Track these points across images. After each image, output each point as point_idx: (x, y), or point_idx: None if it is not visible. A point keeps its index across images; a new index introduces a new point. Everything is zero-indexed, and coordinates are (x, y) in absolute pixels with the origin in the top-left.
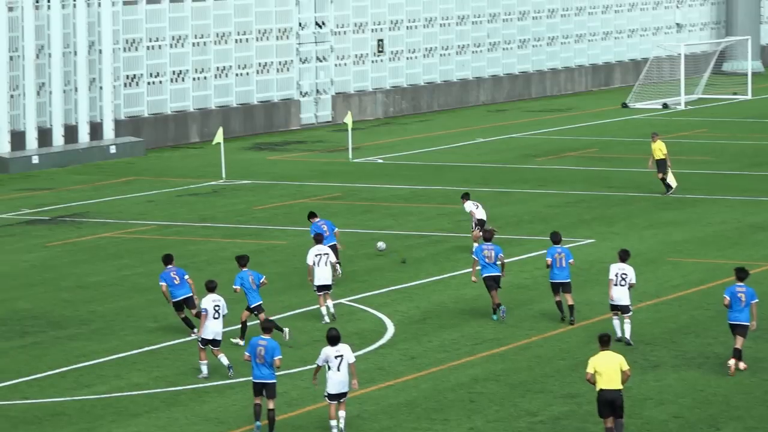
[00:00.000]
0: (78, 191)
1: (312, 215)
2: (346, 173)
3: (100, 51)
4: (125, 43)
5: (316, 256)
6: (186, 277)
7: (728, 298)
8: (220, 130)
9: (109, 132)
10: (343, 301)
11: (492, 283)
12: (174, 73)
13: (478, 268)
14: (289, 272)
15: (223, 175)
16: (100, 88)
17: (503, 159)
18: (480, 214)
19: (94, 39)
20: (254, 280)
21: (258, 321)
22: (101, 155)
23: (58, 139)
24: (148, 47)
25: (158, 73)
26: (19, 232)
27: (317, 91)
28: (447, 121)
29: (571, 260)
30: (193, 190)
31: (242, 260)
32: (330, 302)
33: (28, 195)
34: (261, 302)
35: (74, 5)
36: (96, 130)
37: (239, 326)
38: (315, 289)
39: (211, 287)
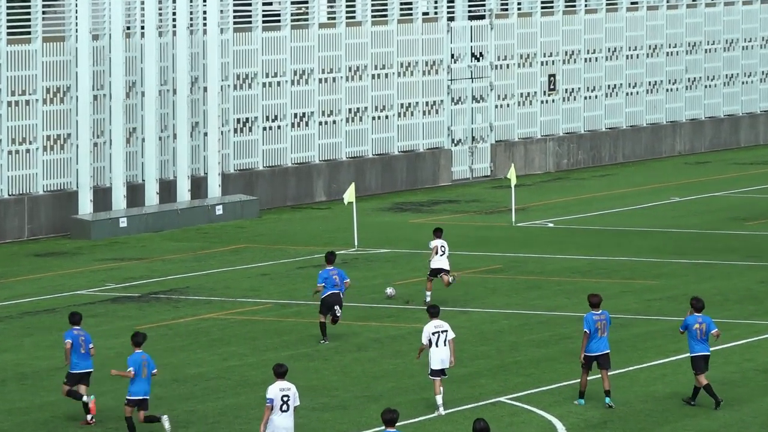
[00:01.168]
0: (175, 262)
1: (330, 258)
2: (509, 240)
3: (205, 89)
4: (236, 79)
5: (433, 334)
6: (90, 346)
7: None
8: (352, 187)
9: (214, 189)
10: (503, 399)
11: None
12: (296, 116)
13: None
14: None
15: (356, 243)
16: (205, 134)
17: (704, 223)
18: (439, 261)
19: (198, 74)
20: None
21: None
22: (205, 217)
23: (151, 197)
24: (264, 84)
25: (276, 116)
26: (103, 312)
27: (473, 139)
28: (634, 175)
29: (714, 330)
30: (318, 260)
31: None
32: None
33: (114, 266)
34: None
35: (173, 32)
36: (199, 186)
37: None
38: (429, 373)
39: (280, 372)
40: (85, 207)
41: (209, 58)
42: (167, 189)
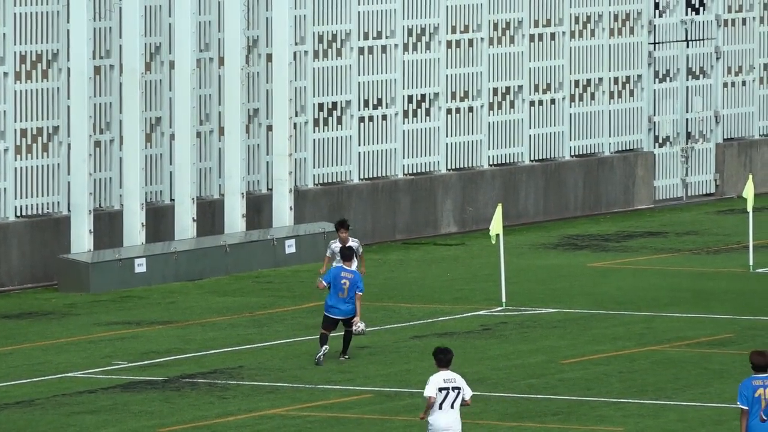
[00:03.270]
0: (222, 327)
1: (345, 254)
2: (744, 295)
3: (269, 57)
4: (317, 41)
5: (441, 390)
6: None
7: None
8: (499, 212)
9: (283, 213)
10: None
11: None
12: (410, 100)
13: None
14: None
15: (503, 298)
16: (268, 128)
17: None
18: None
19: (258, 34)
20: None
21: None
22: (268, 258)
23: (184, 226)
24: (361, 49)
25: (380, 101)
26: (109, 406)
27: (688, 137)
28: None
29: None
30: (444, 326)
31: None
32: None
33: (127, 334)
34: None
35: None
36: (259, 209)
37: None
38: None
39: (444, 360)
40: (81, 241)
41: (275, 11)
42: (209, 214)
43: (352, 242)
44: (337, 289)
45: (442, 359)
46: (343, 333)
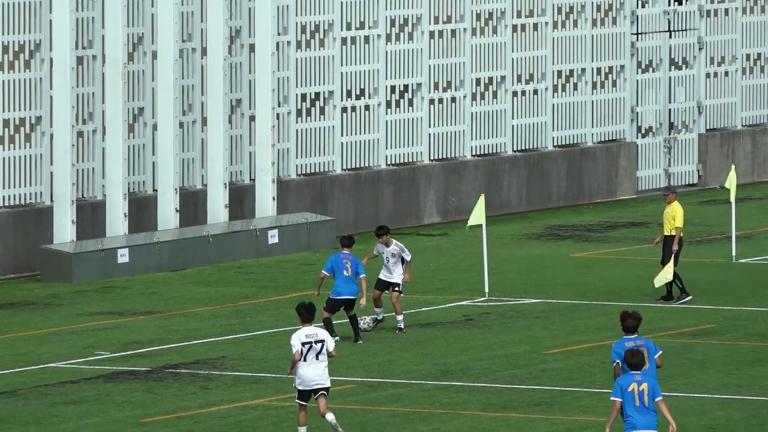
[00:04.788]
0: (205, 317)
1: (346, 237)
2: (726, 285)
3: (252, 48)
4: (300, 32)
5: (304, 345)
6: None
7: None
8: (482, 202)
9: (265, 203)
10: None
11: None
12: (393, 90)
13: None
14: None
15: (486, 289)
16: (251, 119)
17: None
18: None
19: (240, 24)
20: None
21: None
22: (251, 248)
23: (167, 217)
24: (344, 39)
25: (363, 91)
26: (92, 397)
27: (671, 127)
28: None
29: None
30: (427, 316)
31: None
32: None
33: (110, 324)
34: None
35: None
36: (241, 199)
37: None
38: (296, 396)
39: (308, 317)
40: (64, 232)
41: (257, 1)
42: (192, 204)
43: (395, 246)
44: (341, 269)
45: (305, 315)
46: (348, 321)
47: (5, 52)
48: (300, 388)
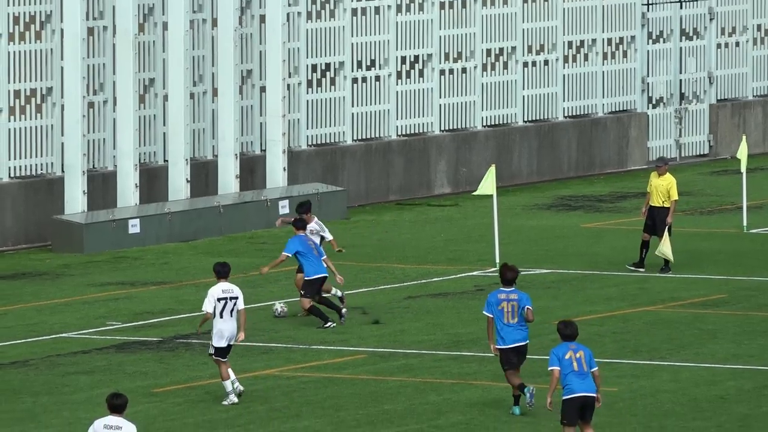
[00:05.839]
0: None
1: (301, 220)
2: (737, 256)
3: (262, 18)
4: (310, 2)
5: (219, 300)
6: None
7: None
8: (492, 172)
9: (276, 174)
10: None
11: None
12: (404, 61)
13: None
14: None
15: (497, 259)
16: (261, 89)
17: None
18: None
19: None
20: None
21: None
22: (261, 219)
23: (178, 187)
24: (354, 10)
25: (374, 62)
26: (104, 366)
27: (682, 97)
28: None
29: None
30: (438, 286)
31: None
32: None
33: (121, 294)
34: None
35: None
36: (252, 170)
37: None
38: (213, 352)
39: (223, 273)
40: (75, 202)
41: None
42: (203, 174)
43: (315, 224)
44: (310, 250)
45: (221, 271)
46: (319, 300)
47: (16, 23)
48: (220, 345)
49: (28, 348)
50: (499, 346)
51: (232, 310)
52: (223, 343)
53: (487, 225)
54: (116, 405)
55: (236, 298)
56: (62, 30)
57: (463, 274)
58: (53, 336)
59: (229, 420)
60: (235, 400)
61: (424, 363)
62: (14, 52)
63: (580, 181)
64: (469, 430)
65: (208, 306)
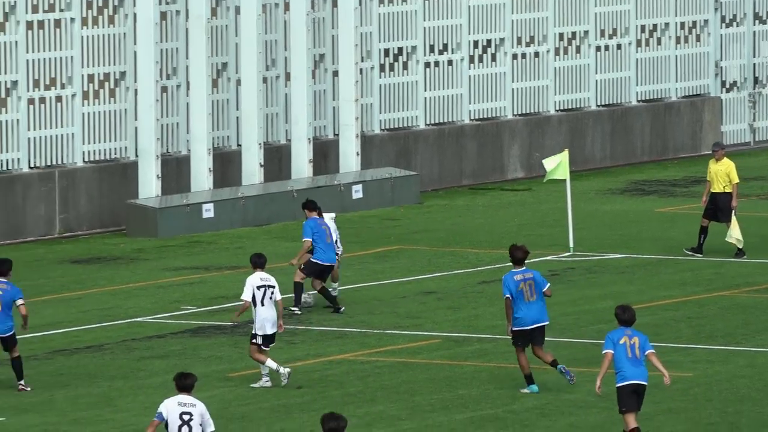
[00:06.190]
0: (289, 272)
1: (311, 205)
2: None
3: (335, 2)
4: None
5: (259, 288)
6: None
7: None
8: (565, 156)
9: (349, 159)
10: None
11: None
12: (476, 45)
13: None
14: None
15: (571, 244)
16: (334, 74)
17: None
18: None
19: None
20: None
21: None
22: (335, 203)
23: (251, 171)
24: None
25: (446, 46)
26: (179, 351)
27: (755, 81)
28: None
29: None
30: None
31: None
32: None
33: (195, 279)
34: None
35: None
36: (325, 154)
37: None
38: (259, 341)
39: (259, 263)
40: (149, 187)
41: None
42: (276, 159)
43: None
44: (323, 235)
45: (257, 261)
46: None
47: (89, 8)
48: (266, 332)
49: (104, 332)
50: (517, 328)
51: (271, 297)
52: (268, 331)
53: (561, 210)
54: (185, 385)
55: (273, 287)
56: (135, 14)
57: (537, 259)
58: (128, 320)
59: (303, 404)
60: (269, 384)
61: (499, 348)
62: (87, 36)
63: (654, 165)
64: (544, 414)
65: (246, 295)
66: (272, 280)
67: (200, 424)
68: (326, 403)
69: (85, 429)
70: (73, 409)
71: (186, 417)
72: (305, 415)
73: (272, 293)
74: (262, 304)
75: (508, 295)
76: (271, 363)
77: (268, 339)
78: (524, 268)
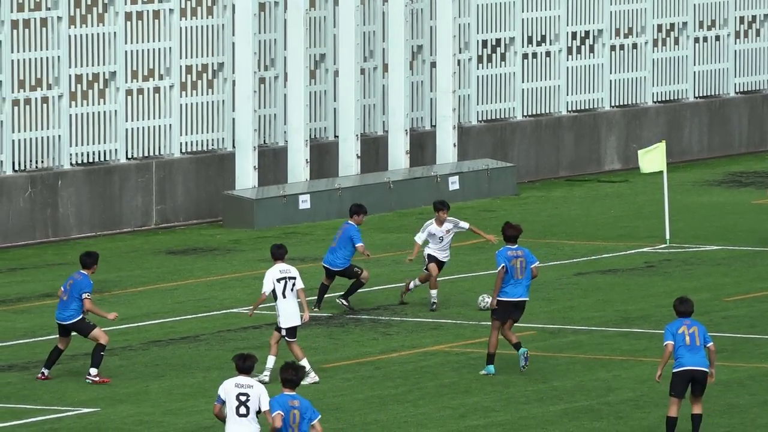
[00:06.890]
0: (386, 264)
1: (358, 210)
2: None
3: None
4: None
5: (279, 281)
6: (85, 295)
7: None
8: (662, 148)
9: (446, 150)
10: None
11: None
12: (574, 36)
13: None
14: None
15: (667, 236)
16: (432, 65)
17: None
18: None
19: None
20: None
21: None
22: (432, 194)
23: (348, 163)
24: None
25: (544, 37)
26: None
27: None
28: None
29: None
30: (608, 263)
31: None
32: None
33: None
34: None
35: None
36: (422, 145)
37: None
38: (283, 333)
39: (279, 254)
40: (246, 178)
41: None
42: (373, 150)
43: (448, 223)
44: (336, 238)
45: (277, 253)
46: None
47: (188, 0)
48: (290, 325)
49: (199, 323)
50: (501, 298)
51: (292, 288)
52: (291, 323)
53: (658, 201)
54: (245, 366)
55: (294, 278)
56: (233, 5)
57: (634, 251)
58: (224, 311)
59: (398, 396)
60: (317, 378)
61: (594, 339)
62: (185, 27)
63: (751, 157)
64: (639, 407)
65: (267, 287)
66: (293, 271)
67: (257, 405)
68: (421, 394)
69: (179, 420)
70: (168, 399)
71: (243, 398)
72: (399, 407)
73: (293, 284)
74: (284, 296)
75: (503, 264)
76: (272, 363)
77: (293, 331)
78: (516, 245)
